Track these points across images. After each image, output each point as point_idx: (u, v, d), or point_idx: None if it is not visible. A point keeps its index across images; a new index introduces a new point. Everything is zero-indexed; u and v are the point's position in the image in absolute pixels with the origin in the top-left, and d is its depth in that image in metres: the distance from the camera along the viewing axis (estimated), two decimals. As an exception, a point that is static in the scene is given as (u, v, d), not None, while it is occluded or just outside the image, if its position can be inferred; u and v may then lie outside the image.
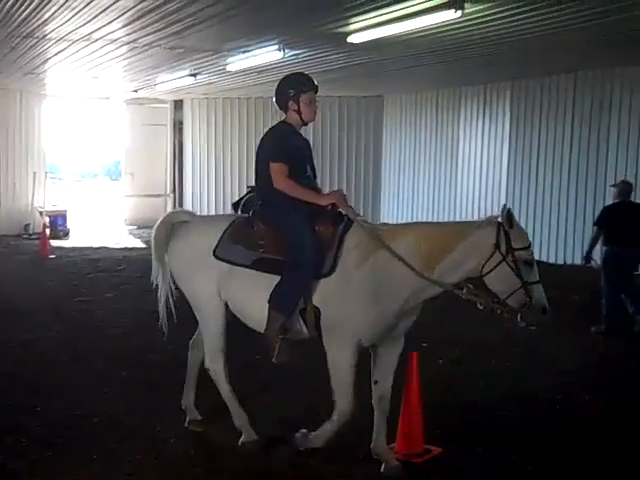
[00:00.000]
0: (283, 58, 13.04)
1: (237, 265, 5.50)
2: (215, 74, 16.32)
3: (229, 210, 6.39)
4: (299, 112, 5.65)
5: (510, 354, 8.74)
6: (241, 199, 6.06)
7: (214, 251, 5.56)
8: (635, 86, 14.46)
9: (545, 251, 15.76)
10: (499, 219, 5.06)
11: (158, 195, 22.85)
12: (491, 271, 4.99)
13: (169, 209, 21.03)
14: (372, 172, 22.05)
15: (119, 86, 19.51)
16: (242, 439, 5.65)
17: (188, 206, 21.45)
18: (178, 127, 22.84)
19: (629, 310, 9.80)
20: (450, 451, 5.57)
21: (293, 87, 5.66)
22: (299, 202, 5.42)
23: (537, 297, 4.95)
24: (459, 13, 9.34)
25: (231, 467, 5.37)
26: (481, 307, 5.16)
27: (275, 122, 5.93)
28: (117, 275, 13.94)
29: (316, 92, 5.68)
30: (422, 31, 10.89)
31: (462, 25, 10.59)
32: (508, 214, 5.03)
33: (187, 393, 6.13)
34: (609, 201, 11.17)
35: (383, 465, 5.31)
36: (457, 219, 18.38)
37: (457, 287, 5.19)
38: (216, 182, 22.12)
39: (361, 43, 11.64)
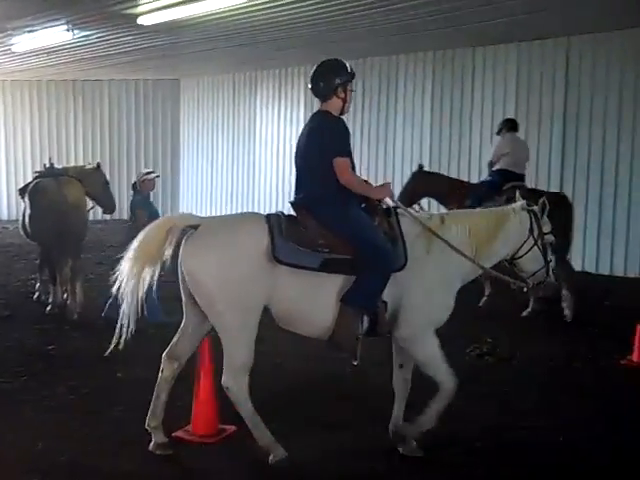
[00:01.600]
0: (73, 39, 12.65)
1: (301, 268, 4.97)
2: (-1, 55, 15.51)
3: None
4: (345, 100, 5.33)
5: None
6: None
7: (274, 255, 4.92)
8: (418, 71, 15.42)
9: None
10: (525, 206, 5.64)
11: None
12: (526, 253, 5.50)
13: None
14: (170, 157, 21.81)
15: None
16: (272, 459, 5.05)
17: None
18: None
19: None
20: (244, 429, 5.64)
21: (342, 74, 5.31)
22: (356, 197, 5.25)
23: (551, 275, 5.59)
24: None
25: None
26: (514, 287, 5.73)
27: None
28: None
29: None
30: (214, 14, 10.90)
31: (252, 9, 10.70)
32: (543, 204, 5.63)
33: (156, 412, 5.30)
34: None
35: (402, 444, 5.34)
36: (256, 200, 18.74)
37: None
38: (7, 170, 21.05)
39: (152, 25, 11.48)
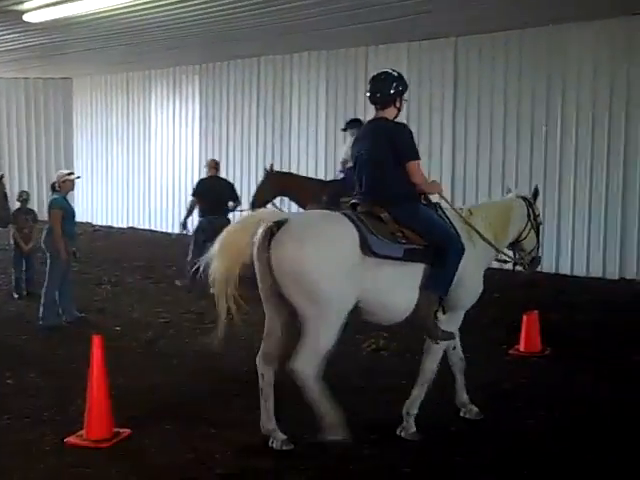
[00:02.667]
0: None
1: (390, 259, 5.30)
2: None
3: None
4: (399, 109, 5.70)
5: (205, 331, 8.92)
6: None
7: (371, 248, 5.19)
8: (312, 70, 15.56)
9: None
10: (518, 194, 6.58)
11: None
12: (527, 235, 6.33)
13: None
14: (64, 158, 21.24)
15: None
16: (331, 437, 5.20)
17: None
18: None
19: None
20: (140, 432, 5.61)
21: (401, 85, 5.66)
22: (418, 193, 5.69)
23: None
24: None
25: None
26: (521, 268, 6.56)
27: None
28: None
29: None
30: (102, 12, 10.75)
31: (141, 8, 10.62)
32: (536, 191, 6.67)
33: (269, 416, 5.42)
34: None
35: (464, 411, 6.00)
36: (152, 199, 18.56)
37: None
38: None
39: (39, 22, 11.20)
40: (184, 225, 11.43)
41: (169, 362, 7.59)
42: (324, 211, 5.86)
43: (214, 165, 11.73)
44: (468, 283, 5.67)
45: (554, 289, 11.03)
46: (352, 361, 7.63)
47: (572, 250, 12.38)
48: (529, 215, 6.37)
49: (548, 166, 12.53)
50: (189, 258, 10.92)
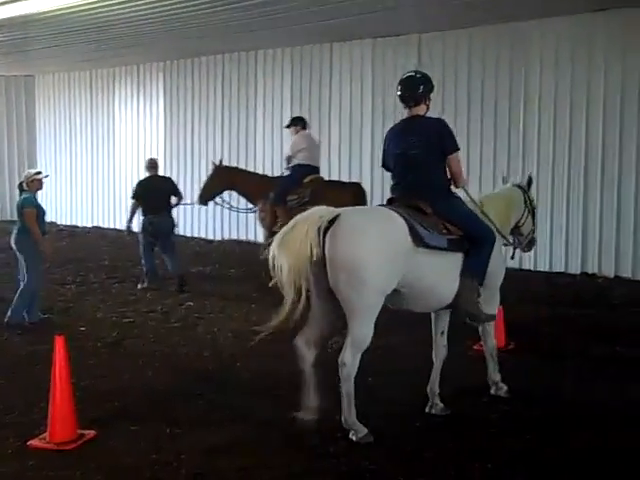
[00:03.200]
0: None
1: (437, 249, 5.67)
2: None
3: None
4: (428, 107, 6.10)
5: (170, 330, 8.91)
6: None
7: (423, 239, 5.55)
8: (276, 67, 15.56)
9: (223, 230, 16.27)
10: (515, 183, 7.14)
11: None
12: (525, 221, 6.92)
13: None
14: (27, 157, 21.01)
15: None
16: (356, 437, 5.42)
17: None
18: None
19: (169, 267, 11.34)
20: (105, 433, 5.57)
21: (429, 85, 6.08)
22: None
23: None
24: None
25: None
26: (526, 250, 7.39)
27: None
28: None
29: None
30: (61, 9, 10.66)
31: (104, 5, 10.53)
32: (530, 179, 7.22)
33: (311, 395, 5.58)
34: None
35: (431, 406, 6.11)
36: (117, 195, 18.44)
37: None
38: None
39: (-1, 20, 11.09)
40: (128, 228, 11.53)
41: (134, 362, 7.53)
42: (373, 207, 6.16)
43: (153, 164, 11.75)
44: (495, 266, 6.13)
45: (518, 284, 11.12)
46: (322, 357, 7.64)
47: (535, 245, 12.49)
48: (526, 202, 6.97)
49: (511, 160, 12.64)
50: (142, 260, 11.36)
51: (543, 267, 12.41)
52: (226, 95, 16.44)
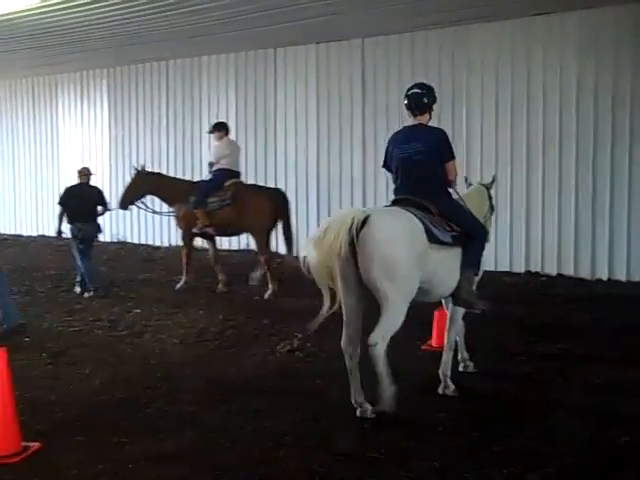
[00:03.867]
0: None
1: (445, 245, 6.23)
2: None
3: None
4: (431, 117, 6.74)
5: (117, 338, 8.82)
6: None
7: (439, 236, 6.15)
8: (221, 71, 15.61)
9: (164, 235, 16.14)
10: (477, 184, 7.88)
11: None
12: (489, 217, 7.67)
13: None
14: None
15: None
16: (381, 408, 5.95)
17: None
18: None
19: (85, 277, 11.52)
20: (51, 445, 5.50)
21: (433, 96, 6.72)
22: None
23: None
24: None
25: None
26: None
27: None
28: None
29: None
30: (1, 16, 10.48)
31: (45, 11, 10.43)
32: (493, 179, 8.21)
33: (358, 388, 6.14)
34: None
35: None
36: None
37: None
38: None
39: None
40: (58, 233, 11.60)
41: (80, 372, 7.44)
42: (392, 208, 6.42)
43: (86, 173, 11.80)
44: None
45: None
46: (268, 363, 7.67)
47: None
48: (489, 199, 7.73)
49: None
50: (77, 267, 11.55)
51: (488, 267, 12.55)
52: (171, 101, 16.40)
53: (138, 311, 10.22)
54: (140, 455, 5.28)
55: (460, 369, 7.19)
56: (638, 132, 11.28)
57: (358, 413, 6.02)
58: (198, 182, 12.07)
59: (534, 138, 12.10)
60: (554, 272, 11.99)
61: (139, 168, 12.19)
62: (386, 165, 6.90)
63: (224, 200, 11.10)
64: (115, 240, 16.87)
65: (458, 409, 6.18)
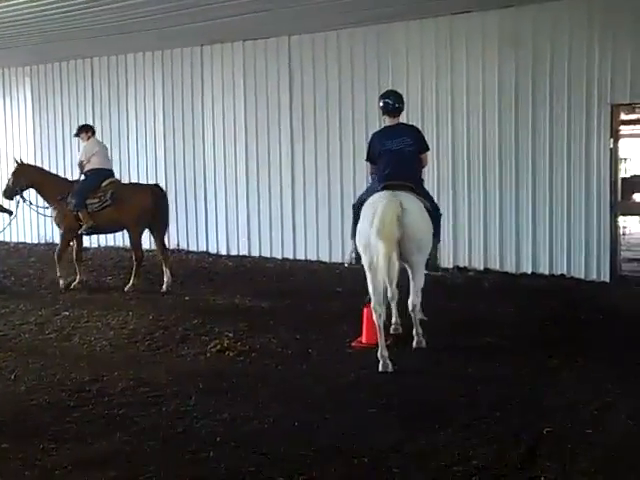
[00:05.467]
0: None
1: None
2: None
3: None
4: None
5: (45, 342, 8.67)
6: None
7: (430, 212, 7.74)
8: (147, 70, 15.53)
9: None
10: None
11: None
12: None
13: None
14: None
15: None
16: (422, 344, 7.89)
17: None
18: None
19: None
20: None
21: (403, 100, 8.33)
22: None
23: None
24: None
25: None
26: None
27: None
28: None
29: None
30: None
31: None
32: None
33: (384, 345, 7.32)
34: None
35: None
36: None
37: None
38: None
39: None
40: None
41: (5, 377, 7.30)
42: (401, 192, 7.52)
43: None
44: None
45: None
46: (198, 363, 7.65)
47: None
48: None
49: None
50: None
51: (446, 264, 12.77)
52: (96, 99, 16.15)
53: (67, 313, 10.06)
54: (68, 460, 5.20)
55: (391, 331, 8.34)
56: (557, 129, 11.52)
57: (381, 368, 7.14)
58: (74, 182, 12.12)
59: (458, 137, 12.29)
60: (481, 267, 12.21)
61: (18, 160, 12.25)
62: (370, 158, 8.20)
63: (105, 201, 11.35)
64: (43, 242, 16.57)
65: (386, 405, 6.24)
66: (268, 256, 14.28)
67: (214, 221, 14.97)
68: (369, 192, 7.94)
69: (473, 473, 4.88)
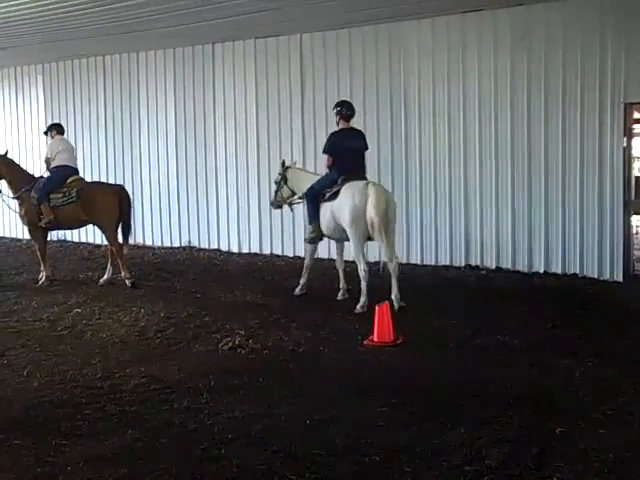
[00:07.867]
0: None
1: None
2: None
3: None
4: None
5: (57, 338, 8.70)
6: None
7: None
8: (159, 68, 15.54)
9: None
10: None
11: None
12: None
13: None
14: None
15: None
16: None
17: None
18: None
19: None
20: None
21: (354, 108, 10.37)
22: None
23: None
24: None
25: None
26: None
27: None
28: None
29: None
30: None
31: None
32: (282, 162, 11.30)
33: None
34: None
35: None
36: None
37: None
38: None
39: None
40: None
41: (19, 374, 7.32)
42: (369, 181, 9.76)
43: None
44: None
45: (405, 278, 11.39)
46: (210, 360, 7.65)
47: (421, 241, 12.85)
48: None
49: (395, 154, 12.97)
50: None
51: (429, 261, 12.75)
52: (108, 97, 16.20)
53: (79, 310, 10.09)
54: (80, 457, 5.22)
55: (339, 297, 10.34)
56: (570, 128, 11.48)
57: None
58: (39, 177, 12.30)
59: (470, 135, 12.25)
60: (493, 266, 12.17)
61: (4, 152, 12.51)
62: (329, 152, 9.93)
63: (69, 197, 11.62)
64: (55, 239, 16.62)
65: (398, 404, 6.23)
66: (280, 254, 14.28)
67: (225, 219, 14.98)
68: (327, 182, 9.91)
69: (485, 473, 4.86)
